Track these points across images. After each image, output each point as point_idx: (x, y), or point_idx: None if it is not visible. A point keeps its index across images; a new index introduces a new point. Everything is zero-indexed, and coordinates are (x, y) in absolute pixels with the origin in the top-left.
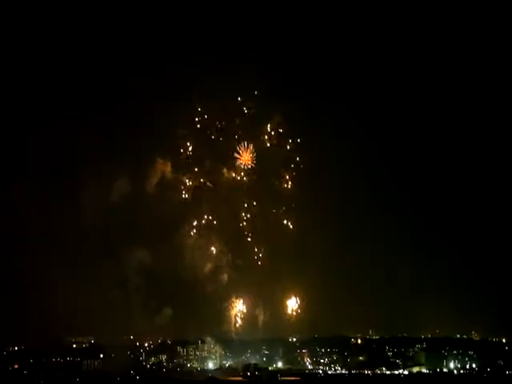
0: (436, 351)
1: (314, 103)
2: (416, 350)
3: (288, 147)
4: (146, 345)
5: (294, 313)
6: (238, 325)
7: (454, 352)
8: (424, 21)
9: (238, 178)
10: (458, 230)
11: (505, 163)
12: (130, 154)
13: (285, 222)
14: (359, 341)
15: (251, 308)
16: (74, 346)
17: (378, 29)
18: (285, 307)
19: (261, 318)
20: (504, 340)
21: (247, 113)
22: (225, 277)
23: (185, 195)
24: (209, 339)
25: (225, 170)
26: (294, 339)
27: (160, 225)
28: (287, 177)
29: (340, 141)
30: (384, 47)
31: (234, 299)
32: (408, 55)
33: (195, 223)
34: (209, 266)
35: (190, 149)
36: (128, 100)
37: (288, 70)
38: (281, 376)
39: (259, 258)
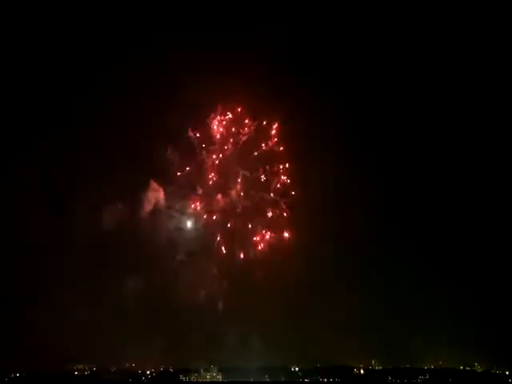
0: (439, 382)
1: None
2: (419, 380)
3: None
4: (148, 372)
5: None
6: (238, 352)
7: None
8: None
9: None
10: (461, 262)
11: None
12: (123, 178)
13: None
14: (362, 371)
15: (250, 335)
16: (76, 373)
17: (373, 38)
18: (285, 333)
19: (260, 345)
20: (507, 372)
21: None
22: (220, 304)
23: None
24: (211, 367)
25: (219, 197)
26: (297, 368)
27: (154, 252)
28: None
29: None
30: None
31: (231, 326)
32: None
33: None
34: (203, 293)
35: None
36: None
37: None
38: None
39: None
